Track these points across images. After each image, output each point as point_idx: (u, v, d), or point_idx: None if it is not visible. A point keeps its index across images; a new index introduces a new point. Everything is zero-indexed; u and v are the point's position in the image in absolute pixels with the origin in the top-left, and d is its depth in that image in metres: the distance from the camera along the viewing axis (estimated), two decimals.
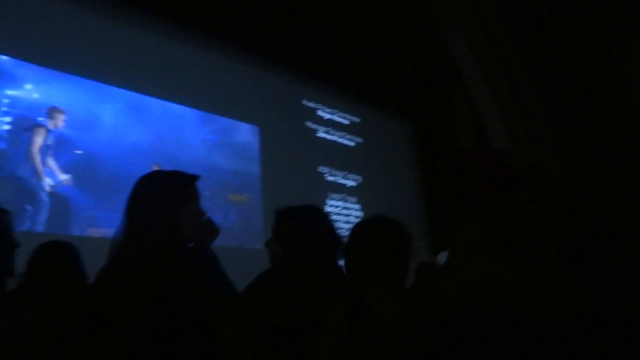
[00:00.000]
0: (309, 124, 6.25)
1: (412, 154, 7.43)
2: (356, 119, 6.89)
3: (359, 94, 6.79)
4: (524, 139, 4.20)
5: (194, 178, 1.82)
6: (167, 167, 1.91)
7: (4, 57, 3.81)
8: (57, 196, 3.81)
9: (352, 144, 6.71)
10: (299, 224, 1.91)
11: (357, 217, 6.21)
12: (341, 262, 1.91)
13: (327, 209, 5.94)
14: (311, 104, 6.38)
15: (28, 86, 3.87)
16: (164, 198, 1.72)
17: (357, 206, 6.35)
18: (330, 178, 6.21)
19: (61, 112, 3.91)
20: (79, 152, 4.03)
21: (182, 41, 5.04)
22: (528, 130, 4.17)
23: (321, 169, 6.15)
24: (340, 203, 6.18)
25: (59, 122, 3.88)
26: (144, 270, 1.60)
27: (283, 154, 5.70)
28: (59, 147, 3.91)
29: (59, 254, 2.29)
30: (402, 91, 7.09)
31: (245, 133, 5.42)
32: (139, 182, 1.79)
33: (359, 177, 6.56)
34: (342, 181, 6.34)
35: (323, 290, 1.71)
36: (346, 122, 6.75)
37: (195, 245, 1.79)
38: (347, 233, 5.38)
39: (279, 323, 1.66)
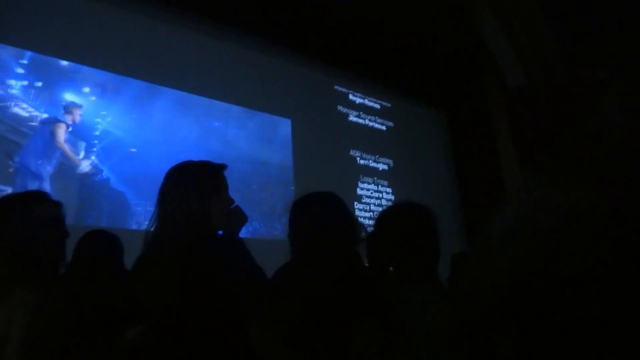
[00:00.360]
0: (340, 108, 6.31)
1: (443, 139, 7.42)
2: (387, 104, 6.91)
3: (391, 84, 6.79)
4: None
5: (222, 167, 1.85)
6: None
7: (64, 62, 4.02)
8: (114, 191, 4.02)
9: (383, 127, 6.76)
10: (310, 213, 1.87)
11: (388, 200, 6.28)
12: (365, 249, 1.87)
13: (359, 192, 6.06)
14: (342, 89, 6.42)
15: (85, 89, 4.11)
16: (194, 187, 1.73)
17: (388, 189, 6.40)
18: (362, 162, 6.27)
19: (77, 107, 3.98)
20: (132, 150, 4.22)
21: (212, 36, 5.13)
22: None
23: (353, 152, 6.21)
24: (372, 186, 6.23)
25: (77, 116, 3.97)
26: (177, 260, 1.62)
27: (315, 141, 5.77)
28: (111, 146, 4.10)
29: (100, 243, 2.39)
30: (434, 80, 7.03)
31: (279, 125, 5.51)
32: (170, 173, 1.82)
33: (390, 161, 6.60)
34: (373, 165, 6.39)
35: (338, 279, 1.68)
36: (377, 106, 6.79)
37: (225, 234, 1.82)
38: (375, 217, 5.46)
39: (294, 316, 1.64)
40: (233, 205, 1.86)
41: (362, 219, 5.83)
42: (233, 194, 1.83)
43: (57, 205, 1.82)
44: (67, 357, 1.57)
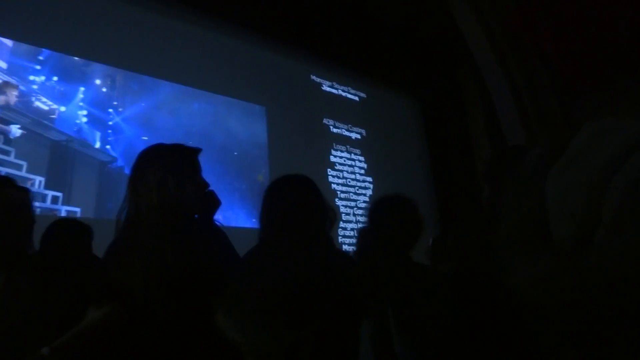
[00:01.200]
0: (314, 78, 6.55)
1: (417, 122, 7.67)
2: (363, 94, 7.14)
3: (365, 70, 6.89)
4: (534, 117, 4.14)
5: (196, 151, 1.82)
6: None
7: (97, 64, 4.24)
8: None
9: (356, 98, 7.05)
10: (279, 197, 1.85)
11: (361, 167, 6.57)
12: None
13: (332, 159, 6.30)
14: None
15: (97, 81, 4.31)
16: (169, 171, 1.70)
17: (361, 158, 6.67)
18: (335, 130, 6.51)
19: (13, 86, 3.74)
20: (144, 138, 4.45)
21: (187, 21, 5.20)
22: (539, 108, 4.07)
23: (326, 121, 6.44)
24: (345, 154, 6.49)
25: (12, 97, 3.72)
26: (156, 245, 1.60)
27: (289, 110, 5.97)
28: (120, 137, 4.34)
29: (68, 230, 2.36)
30: (409, 68, 7.11)
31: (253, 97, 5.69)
32: (142, 157, 1.77)
33: (362, 131, 6.88)
34: (346, 134, 6.64)
35: (304, 263, 1.65)
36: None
37: (200, 218, 1.79)
38: (352, 183, 5.96)
39: (260, 300, 1.60)
40: (207, 189, 1.83)
41: (335, 184, 6.14)
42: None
43: (24, 190, 1.79)
44: (30, 339, 1.54)
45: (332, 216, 1.85)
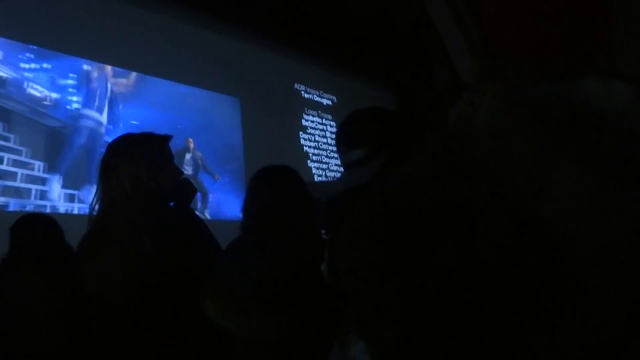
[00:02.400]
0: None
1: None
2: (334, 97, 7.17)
3: (337, 63, 6.85)
4: None
5: (167, 138, 1.79)
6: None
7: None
8: None
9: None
10: (261, 189, 1.81)
11: (332, 132, 6.78)
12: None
13: (304, 123, 6.53)
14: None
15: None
16: (142, 159, 1.67)
17: (332, 123, 6.88)
18: (307, 96, 6.71)
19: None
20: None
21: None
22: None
23: (297, 86, 6.62)
24: (316, 119, 6.72)
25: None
26: (134, 235, 1.57)
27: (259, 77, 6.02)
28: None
29: (36, 226, 2.23)
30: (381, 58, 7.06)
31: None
32: (113, 146, 1.74)
33: (333, 97, 7.07)
34: (317, 99, 6.85)
35: (286, 255, 1.62)
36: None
37: (176, 206, 1.78)
38: (324, 147, 6.23)
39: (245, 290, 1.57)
40: (181, 178, 1.82)
41: (306, 147, 6.40)
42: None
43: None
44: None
45: (316, 209, 1.77)
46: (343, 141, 1.69)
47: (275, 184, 1.80)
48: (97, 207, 1.69)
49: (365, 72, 7.15)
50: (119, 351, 1.57)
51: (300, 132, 6.48)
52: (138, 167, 1.65)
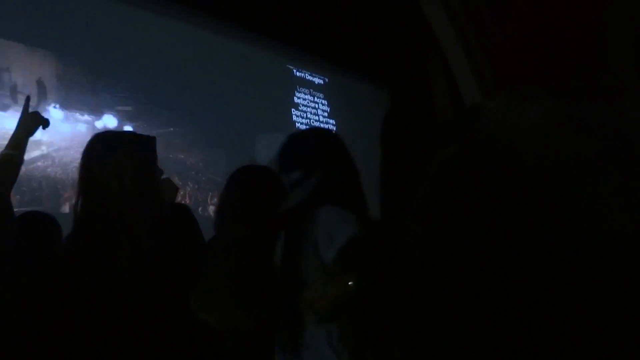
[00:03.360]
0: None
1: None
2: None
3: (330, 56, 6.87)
4: None
5: (152, 139, 1.81)
6: None
7: None
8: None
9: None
10: (235, 187, 1.91)
11: (324, 110, 6.89)
12: None
13: (296, 100, 6.59)
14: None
15: None
16: (127, 157, 1.66)
17: (324, 101, 6.95)
18: (298, 74, 6.77)
19: None
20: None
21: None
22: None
23: (289, 65, 6.67)
24: (308, 97, 6.78)
25: None
26: (123, 234, 1.58)
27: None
28: None
29: (33, 224, 2.18)
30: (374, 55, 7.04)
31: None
32: (95, 143, 1.72)
33: (325, 77, 7.11)
34: (309, 78, 6.90)
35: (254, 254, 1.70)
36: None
37: (160, 205, 1.79)
38: (315, 124, 6.26)
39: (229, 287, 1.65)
40: (163, 177, 1.85)
41: (299, 124, 6.46)
42: None
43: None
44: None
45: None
46: (282, 167, 1.85)
47: (245, 185, 1.90)
48: (80, 205, 1.67)
49: (362, 72, 7.21)
50: (111, 349, 1.57)
51: (293, 109, 6.56)
52: (124, 164, 1.65)
